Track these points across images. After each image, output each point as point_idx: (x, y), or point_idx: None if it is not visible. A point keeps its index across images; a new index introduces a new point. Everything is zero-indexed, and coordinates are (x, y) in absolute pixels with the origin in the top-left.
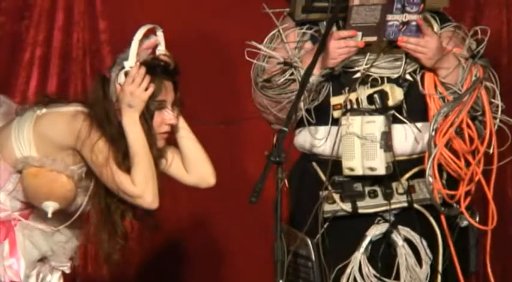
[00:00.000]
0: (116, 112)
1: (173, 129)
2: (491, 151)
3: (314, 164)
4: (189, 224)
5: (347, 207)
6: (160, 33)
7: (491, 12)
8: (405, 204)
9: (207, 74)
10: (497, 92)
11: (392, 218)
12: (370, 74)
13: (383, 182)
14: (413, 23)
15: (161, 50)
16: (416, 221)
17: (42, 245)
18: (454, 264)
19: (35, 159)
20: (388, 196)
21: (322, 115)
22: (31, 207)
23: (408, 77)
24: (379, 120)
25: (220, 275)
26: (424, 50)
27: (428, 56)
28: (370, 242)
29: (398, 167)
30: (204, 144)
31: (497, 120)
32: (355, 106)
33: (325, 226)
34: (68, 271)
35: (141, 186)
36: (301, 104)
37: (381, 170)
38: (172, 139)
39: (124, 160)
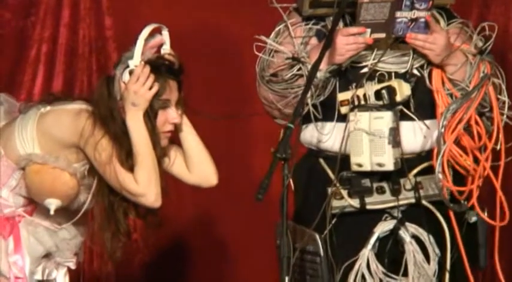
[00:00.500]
0: (120, 110)
1: (176, 129)
2: (498, 147)
3: (321, 160)
4: (194, 221)
5: (355, 203)
6: (165, 33)
7: (497, 9)
8: (413, 201)
9: (213, 70)
10: (504, 88)
11: (399, 215)
12: (378, 69)
13: (391, 178)
14: (422, 20)
15: (166, 49)
16: (423, 218)
17: (46, 241)
18: (463, 260)
19: (38, 156)
20: (395, 192)
21: (328, 111)
22: (34, 204)
23: (415, 72)
24: (387, 116)
25: (226, 272)
26: (432, 47)
27: (437, 53)
28: (378, 238)
29: (407, 163)
30: (210, 141)
31: (505, 116)
32: (362, 102)
33: (333, 222)
34: (73, 267)
35: (144, 185)
36: (308, 100)
37: (389, 166)
38: (175, 138)
39: (127, 158)
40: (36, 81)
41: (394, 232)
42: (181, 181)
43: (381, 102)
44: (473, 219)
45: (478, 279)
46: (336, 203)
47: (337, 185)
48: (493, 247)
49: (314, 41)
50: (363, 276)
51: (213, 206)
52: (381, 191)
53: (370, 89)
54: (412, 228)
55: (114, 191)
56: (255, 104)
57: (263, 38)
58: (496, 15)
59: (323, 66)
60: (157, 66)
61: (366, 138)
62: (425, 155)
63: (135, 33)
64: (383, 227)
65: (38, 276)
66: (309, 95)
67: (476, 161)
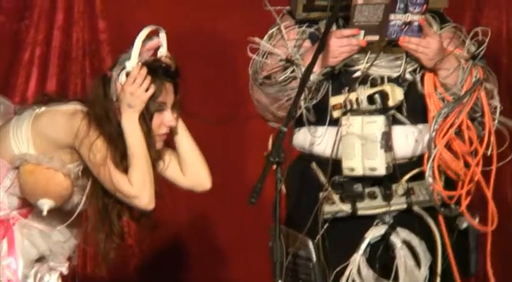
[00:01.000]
0: (115, 112)
1: (172, 131)
2: (489, 152)
3: (313, 164)
4: (188, 225)
5: (347, 208)
6: (163, 35)
7: (490, 12)
8: (404, 206)
9: (209, 73)
10: (496, 93)
11: (391, 220)
12: (370, 73)
13: (383, 183)
14: (416, 23)
15: (163, 51)
16: (415, 223)
17: (40, 244)
18: (453, 266)
19: (32, 156)
20: (387, 197)
21: (320, 115)
22: (29, 206)
23: (408, 76)
24: (379, 120)
25: (219, 275)
26: (425, 51)
27: (430, 57)
28: (369, 244)
29: (399, 168)
30: (204, 144)
31: (496, 121)
32: (355, 106)
33: (325, 227)
34: (65, 272)
35: (138, 187)
36: (301, 103)
37: (382, 170)
38: (170, 141)
39: (122, 160)
40: (30, 84)
41: (385, 237)
42: (175, 184)
43: (373, 107)
44: (464, 225)
45: None
46: (327, 208)
47: (329, 189)
48: (485, 253)
49: (307, 43)
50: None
51: (207, 210)
52: (372, 196)
53: (362, 93)
54: (404, 233)
55: (108, 193)
56: (250, 107)
57: (257, 39)
58: (489, 19)
59: (317, 68)
60: (154, 68)
61: (358, 143)
62: (417, 160)
63: (129, 36)
64: (374, 233)
65: (31, 281)
66: (302, 97)
67: (467, 165)
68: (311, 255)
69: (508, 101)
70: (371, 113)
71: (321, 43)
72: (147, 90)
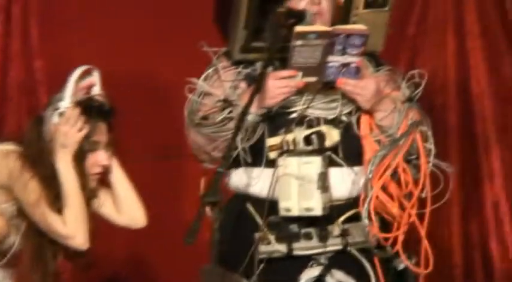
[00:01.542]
0: (49, 152)
1: (106, 170)
2: (424, 195)
3: (249, 205)
4: (125, 264)
5: (282, 248)
6: (96, 74)
7: (426, 54)
8: (340, 247)
9: (144, 112)
10: (430, 135)
11: (326, 261)
12: (307, 114)
13: (319, 224)
14: (353, 65)
15: (96, 90)
16: (351, 265)
17: None
18: None
19: None
20: (323, 238)
21: (257, 156)
22: None
23: (344, 118)
24: (316, 161)
25: None
26: (362, 92)
27: (366, 98)
28: None
29: (335, 209)
30: (140, 181)
31: (430, 164)
32: (291, 147)
33: (261, 267)
34: None
35: (72, 227)
36: (238, 143)
37: (318, 211)
38: (104, 180)
39: (56, 200)
40: None
41: (320, 279)
42: (111, 222)
43: (310, 148)
44: (401, 266)
45: None
46: (263, 248)
47: (265, 229)
48: None
49: (244, 85)
50: None
51: (143, 249)
52: (308, 236)
53: (299, 134)
54: (339, 275)
55: (43, 233)
56: (186, 146)
57: (194, 80)
58: (425, 60)
59: (254, 109)
60: (88, 107)
61: (295, 183)
62: (353, 202)
63: (65, 76)
64: (309, 274)
65: None
66: (238, 138)
67: (403, 208)
68: None
69: (442, 143)
70: (308, 154)
71: (257, 84)
72: (80, 130)
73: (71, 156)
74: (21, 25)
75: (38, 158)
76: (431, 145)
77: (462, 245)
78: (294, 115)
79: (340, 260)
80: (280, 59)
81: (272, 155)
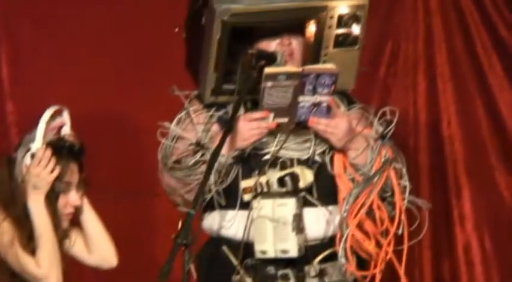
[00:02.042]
0: (21, 193)
1: (77, 210)
2: (400, 232)
3: (224, 247)
4: None
5: None
6: (66, 114)
7: (397, 95)
8: None
9: (116, 154)
10: (405, 173)
11: None
12: (280, 156)
13: (295, 265)
14: (324, 105)
15: (66, 130)
16: None
17: None
18: None
19: None
20: (300, 279)
21: (231, 198)
22: None
23: (317, 158)
24: (290, 203)
25: None
26: (334, 131)
27: (339, 137)
28: None
29: (311, 250)
30: (112, 221)
31: (405, 201)
32: (265, 189)
33: None
34: None
35: (45, 268)
36: (212, 186)
37: (294, 252)
38: (76, 219)
39: (29, 242)
40: None
41: None
42: (82, 262)
43: (284, 189)
44: None
45: None
46: None
47: (242, 272)
48: None
49: (216, 127)
50: None
51: None
52: (285, 278)
53: (273, 176)
54: None
55: (16, 274)
56: (157, 187)
57: (166, 124)
58: (396, 101)
59: (226, 152)
60: (59, 148)
61: (270, 225)
62: (329, 241)
63: (37, 118)
64: None
65: None
66: (212, 181)
67: (379, 245)
68: None
69: (417, 180)
70: (282, 195)
71: (229, 126)
72: (52, 171)
73: (43, 197)
74: None
75: (10, 199)
76: (406, 182)
77: None
78: (267, 157)
79: None
80: (252, 100)
81: (246, 197)
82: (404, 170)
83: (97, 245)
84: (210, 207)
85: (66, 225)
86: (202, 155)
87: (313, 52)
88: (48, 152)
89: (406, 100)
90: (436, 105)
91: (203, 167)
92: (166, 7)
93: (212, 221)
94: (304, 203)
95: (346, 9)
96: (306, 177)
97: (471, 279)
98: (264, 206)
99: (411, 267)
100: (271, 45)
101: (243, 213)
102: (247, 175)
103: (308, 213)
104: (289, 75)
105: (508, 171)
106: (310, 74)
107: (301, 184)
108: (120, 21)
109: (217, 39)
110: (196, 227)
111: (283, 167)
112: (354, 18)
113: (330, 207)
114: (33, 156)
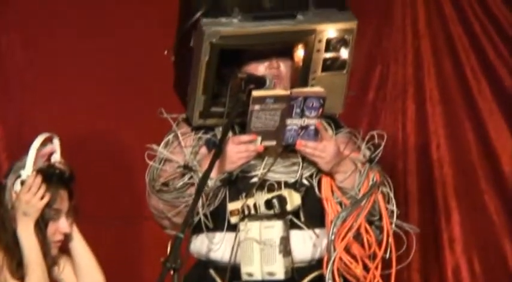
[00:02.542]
0: (11, 220)
1: (66, 236)
2: (387, 256)
3: (211, 270)
4: None
5: None
6: (56, 141)
7: (387, 118)
8: None
9: (105, 177)
10: (392, 197)
11: None
12: (267, 178)
13: None
14: (312, 128)
15: (57, 157)
16: None
17: None
18: None
19: None
20: None
21: (218, 221)
22: None
23: (305, 181)
24: (277, 225)
25: None
26: (322, 154)
27: (326, 160)
28: None
29: (298, 272)
30: (100, 247)
31: (393, 225)
32: (253, 211)
33: None
34: None
35: None
36: (199, 209)
37: (281, 275)
38: (64, 246)
39: (18, 268)
40: None
41: None
42: None
43: (271, 212)
44: None
45: None
46: None
47: None
48: None
49: (204, 150)
50: None
51: None
52: None
53: (260, 198)
54: None
55: None
56: (146, 210)
57: (154, 146)
58: (385, 125)
59: (214, 174)
60: (49, 175)
61: (257, 248)
62: (316, 264)
63: (26, 143)
64: None
65: None
66: (200, 204)
67: (367, 269)
68: None
69: (405, 205)
70: (269, 218)
71: (217, 149)
72: (42, 198)
73: (33, 224)
74: None
75: (0, 226)
76: (393, 206)
77: None
78: (254, 179)
79: None
80: (240, 123)
81: (233, 219)
82: (391, 194)
83: (86, 273)
84: (197, 229)
85: (56, 253)
86: (190, 177)
87: (301, 75)
88: (38, 179)
89: (395, 124)
90: (425, 129)
91: (191, 190)
92: (155, 29)
93: (199, 244)
94: (291, 225)
95: (335, 33)
96: (294, 200)
97: None
98: (251, 228)
99: None
100: (260, 68)
101: (230, 236)
102: (234, 197)
103: (295, 235)
104: (277, 99)
105: (497, 194)
106: (298, 97)
107: (289, 207)
108: (109, 44)
109: (206, 61)
110: (184, 250)
111: (270, 189)
112: (342, 42)
113: (317, 230)
114: (23, 183)
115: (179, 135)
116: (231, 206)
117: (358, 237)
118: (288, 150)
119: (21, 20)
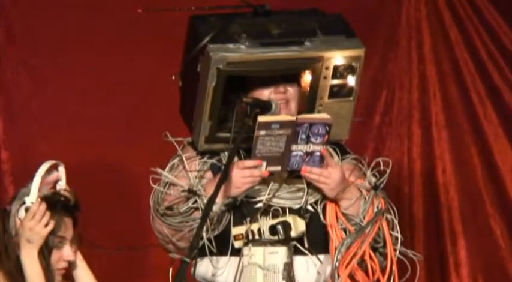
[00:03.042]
0: (14, 246)
1: (70, 264)
2: None
3: None
4: None
5: None
6: (61, 169)
7: (392, 143)
8: None
9: (110, 203)
10: (396, 224)
11: None
12: (272, 204)
13: None
14: (317, 154)
15: (62, 185)
16: None
17: None
18: None
19: None
20: None
21: (222, 245)
22: None
23: (310, 208)
24: (281, 251)
25: None
26: (326, 181)
27: (331, 187)
28: None
29: None
30: (105, 274)
31: (397, 252)
32: (257, 237)
33: None
34: None
35: None
36: (203, 234)
37: None
38: (69, 273)
39: None
40: None
41: None
42: None
43: (275, 237)
44: None
45: None
46: None
47: None
48: None
49: (209, 174)
50: None
51: None
52: None
53: (264, 223)
54: None
55: None
56: (152, 237)
57: (159, 170)
58: (391, 150)
59: (219, 199)
60: (53, 203)
61: (260, 273)
62: None
63: (32, 167)
64: None
65: None
66: (204, 228)
67: None
68: None
69: (410, 229)
70: (273, 243)
71: (223, 174)
72: (46, 225)
73: (37, 251)
74: None
75: (3, 252)
76: (397, 233)
77: None
78: (259, 205)
79: None
80: (246, 148)
81: (237, 244)
82: (396, 221)
83: None
84: (202, 254)
85: (59, 280)
86: (195, 202)
87: (308, 102)
88: (43, 206)
89: (401, 148)
90: (431, 154)
91: (195, 214)
92: (161, 54)
93: (203, 268)
94: (295, 251)
95: (342, 61)
96: (298, 226)
97: None
98: (255, 254)
99: None
100: (266, 92)
101: (235, 260)
102: (238, 222)
103: (299, 261)
104: (283, 124)
105: (503, 218)
106: (304, 123)
107: (293, 233)
108: (114, 69)
109: (213, 87)
110: (189, 274)
111: (275, 215)
112: (349, 69)
113: (321, 256)
114: (27, 209)
115: (184, 159)
116: (235, 230)
117: (362, 264)
118: (293, 176)
119: (26, 49)
